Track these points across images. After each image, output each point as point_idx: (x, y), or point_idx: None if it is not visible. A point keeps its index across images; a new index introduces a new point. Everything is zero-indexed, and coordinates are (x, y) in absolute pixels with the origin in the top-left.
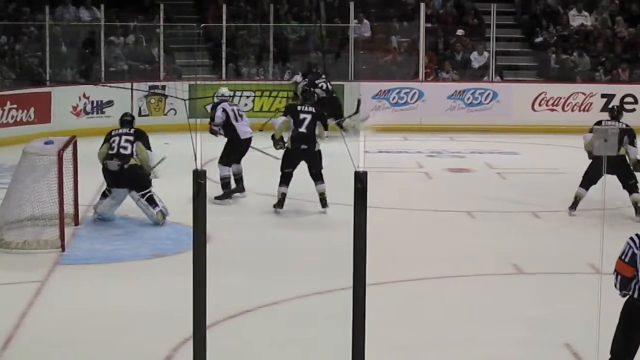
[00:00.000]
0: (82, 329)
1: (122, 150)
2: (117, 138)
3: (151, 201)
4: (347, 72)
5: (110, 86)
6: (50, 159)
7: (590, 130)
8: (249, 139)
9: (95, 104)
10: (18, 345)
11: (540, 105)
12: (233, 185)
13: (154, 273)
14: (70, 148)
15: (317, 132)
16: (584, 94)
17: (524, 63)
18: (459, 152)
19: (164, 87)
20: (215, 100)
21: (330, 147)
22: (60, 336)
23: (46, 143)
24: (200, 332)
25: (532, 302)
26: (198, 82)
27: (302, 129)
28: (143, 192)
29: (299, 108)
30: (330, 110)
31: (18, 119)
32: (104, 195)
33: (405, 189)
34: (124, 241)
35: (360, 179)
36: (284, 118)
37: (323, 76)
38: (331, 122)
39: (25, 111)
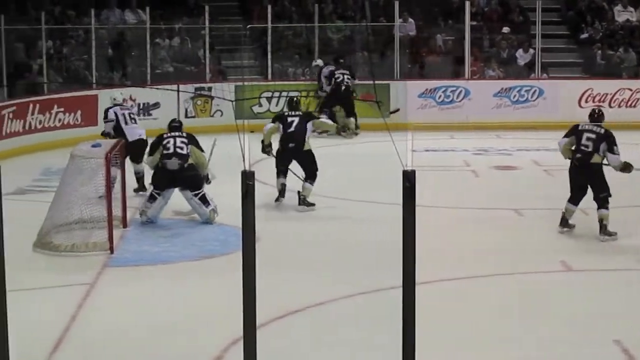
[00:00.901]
0: (131, 331)
1: (179, 150)
2: (171, 140)
3: (204, 200)
4: (392, 71)
5: (156, 88)
6: (98, 162)
7: (567, 135)
8: (139, 140)
9: (141, 106)
10: (68, 348)
11: (586, 101)
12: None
13: (203, 274)
14: (117, 150)
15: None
16: (630, 89)
17: (570, 60)
18: (505, 149)
19: (210, 89)
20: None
21: (377, 147)
22: (109, 338)
23: (94, 146)
24: (250, 332)
25: (581, 299)
26: (244, 83)
27: (291, 129)
28: (196, 192)
29: (286, 114)
30: (341, 104)
31: (65, 122)
32: (153, 197)
33: (452, 188)
34: (172, 243)
35: (409, 178)
36: (272, 124)
37: (347, 71)
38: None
39: (72, 114)
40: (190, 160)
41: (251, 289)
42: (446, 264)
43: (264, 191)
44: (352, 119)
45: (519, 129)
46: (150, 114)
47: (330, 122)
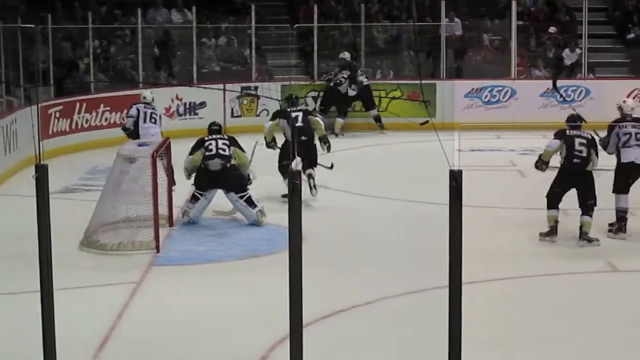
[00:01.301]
0: (177, 330)
1: (221, 152)
2: (213, 142)
3: (250, 202)
4: (438, 71)
5: (203, 87)
6: (144, 161)
7: (556, 139)
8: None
9: (188, 106)
10: (114, 347)
11: (633, 101)
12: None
13: (249, 273)
14: (163, 150)
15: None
16: None
17: (616, 60)
18: None
19: (256, 88)
20: None
21: (423, 146)
22: (155, 337)
23: (140, 145)
24: (296, 332)
25: (627, 300)
26: (291, 83)
27: (299, 124)
28: (241, 195)
29: (289, 110)
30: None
31: (111, 121)
32: (195, 198)
33: (498, 187)
34: (218, 242)
35: (455, 178)
36: (273, 121)
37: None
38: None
39: (119, 113)
40: (232, 161)
41: (298, 288)
42: (492, 264)
43: (309, 190)
44: (340, 120)
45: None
46: (196, 113)
47: (322, 124)
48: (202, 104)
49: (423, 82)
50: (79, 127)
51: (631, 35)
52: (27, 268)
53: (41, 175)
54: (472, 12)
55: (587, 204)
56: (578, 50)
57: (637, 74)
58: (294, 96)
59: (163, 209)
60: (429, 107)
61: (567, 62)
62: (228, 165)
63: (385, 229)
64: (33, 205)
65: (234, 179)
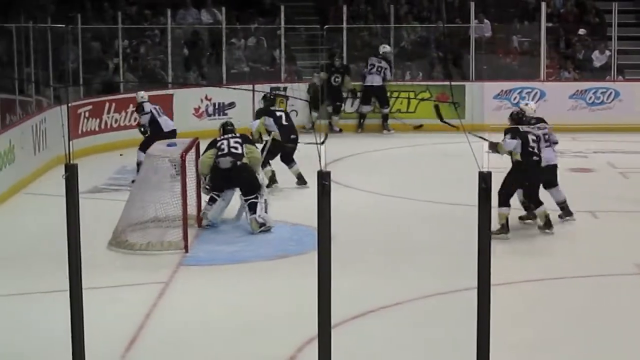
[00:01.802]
0: (205, 330)
1: (233, 150)
2: (225, 141)
3: (252, 207)
4: (468, 72)
5: (232, 88)
6: (173, 161)
7: (513, 137)
8: (173, 131)
9: (217, 106)
10: (142, 346)
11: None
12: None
13: (278, 274)
14: (192, 150)
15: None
16: None
17: None
18: (581, 152)
19: (285, 89)
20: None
21: (451, 148)
22: (184, 337)
23: (169, 145)
24: (325, 332)
25: None
26: (319, 83)
27: (285, 123)
28: (248, 197)
29: (271, 109)
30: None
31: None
32: (212, 200)
33: None
34: (246, 242)
35: (485, 179)
36: (260, 120)
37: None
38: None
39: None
40: (244, 160)
41: (326, 288)
42: (521, 265)
43: (338, 192)
44: (335, 117)
45: (595, 131)
46: (225, 114)
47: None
48: (232, 105)
49: (452, 83)
50: (108, 126)
51: None
52: (57, 267)
53: (71, 175)
54: (502, 14)
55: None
56: (607, 52)
57: None
58: (270, 95)
59: (192, 209)
60: (458, 108)
61: (597, 63)
62: (238, 163)
63: (414, 230)
64: (62, 205)
65: (245, 179)
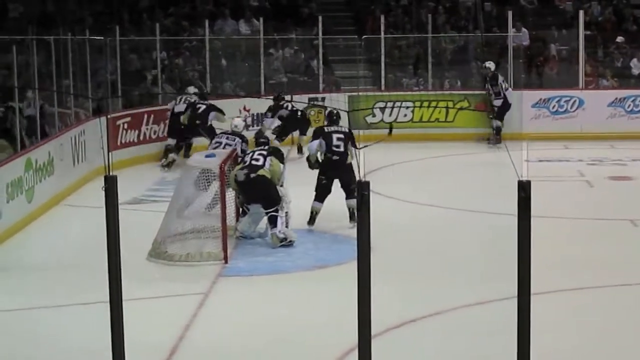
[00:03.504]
0: (246, 340)
1: (253, 162)
2: (250, 154)
3: (272, 221)
4: (507, 81)
5: (271, 99)
6: (213, 172)
7: (315, 137)
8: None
9: (255, 117)
10: (182, 357)
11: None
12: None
13: (317, 284)
14: (230, 161)
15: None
16: None
17: None
18: (620, 159)
19: (323, 99)
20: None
21: (491, 157)
22: (224, 348)
23: (207, 156)
24: (365, 342)
25: None
26: (358, 94)
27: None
28: (269, 210)
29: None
30: (294, 127)
31: None
32: (243, 212)
33: (567, 198)
34: (285, 252)
35: (524, 188)
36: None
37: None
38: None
39: None
40: (262, 172)
41: (366, 298)
42: (561, 274)
43: (377, 202)
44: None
45: (634, 139)
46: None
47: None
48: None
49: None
50: (147, 138)
51: None
52: (96, 279)
53: (110, 186)
54: (540, 23)
55: (349, 189)
56: None
57: None
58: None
59: (231, 220)
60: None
61: (635, 71)
62: (252, 175)
63: (454, 239)
64: (102, 216)
65: (262, 190)
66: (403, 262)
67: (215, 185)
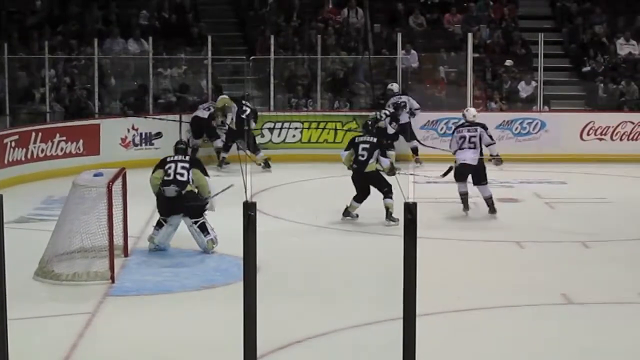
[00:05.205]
0: None
1: (178, 177)
2: (172, 165)
3: (203, 229)
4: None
5: (159, 119)
6: (100, 191)
7: (348, 148)
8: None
9: (143, 136)
10: None
11: (588, 134)
12: None
13: (204, 304)
14: (119, 180)
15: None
16: (632, 122)
17: (572, 92)
18: (507, 182)
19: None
20: None
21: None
22: None
23: (96, 175)
24: None
25: (582, 333)
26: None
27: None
28: (196, 220)
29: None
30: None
31: (67, 151)
32: (159, 224)
33: (454, 219)
34: (173, 272)
35: (410, 210)
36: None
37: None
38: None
39: (75, 143)
40: (189, 187)
41: (252, 319)
42: (445, 296)
43: (265, 222)
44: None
45: (521, 161)
46: (152, 144)
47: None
48: (158, 135)
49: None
50: (35, 156)
51: (587, 68)
52: None
53: None
54: (429, 45)
55: (383, 191)
56: (534, 83)
57: (592, 107)
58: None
59: (118, 239)
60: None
61: (523, 94)
62: (183, 192)
63: (343, 259)
64: None
65: (189, 206)
66: (291, 282)
67: (103, 205)
